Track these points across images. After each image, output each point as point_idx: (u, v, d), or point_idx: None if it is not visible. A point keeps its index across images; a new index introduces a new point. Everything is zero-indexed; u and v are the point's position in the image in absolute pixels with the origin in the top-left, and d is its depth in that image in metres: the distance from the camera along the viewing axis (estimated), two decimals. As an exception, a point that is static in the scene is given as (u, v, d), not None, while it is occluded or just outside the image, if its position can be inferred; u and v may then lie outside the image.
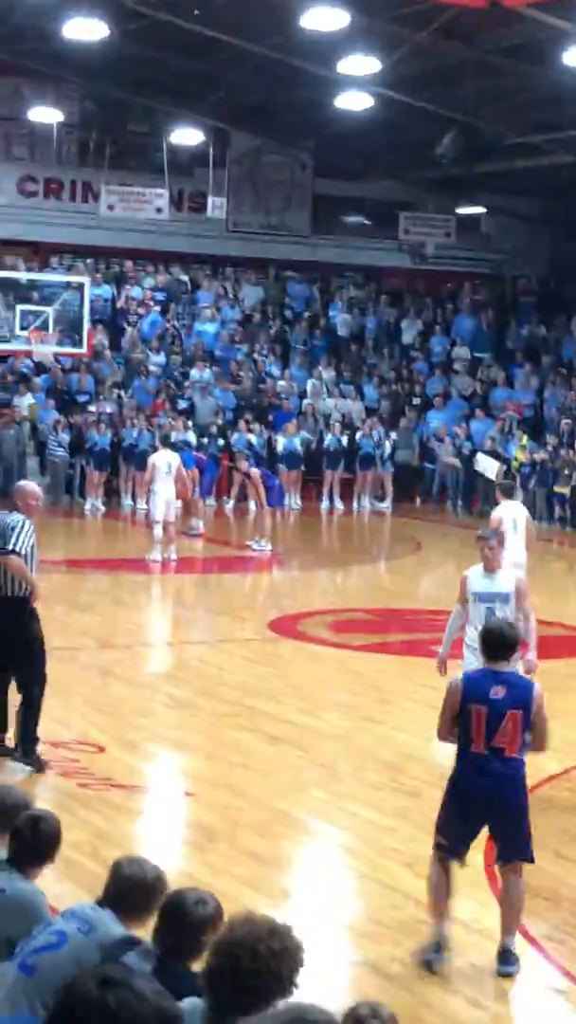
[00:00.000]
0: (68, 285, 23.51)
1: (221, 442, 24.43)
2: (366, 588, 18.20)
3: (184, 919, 4.35)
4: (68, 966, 4.33)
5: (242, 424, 24.67)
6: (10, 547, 8.91)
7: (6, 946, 4.76)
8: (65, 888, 5.25)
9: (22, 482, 9.98)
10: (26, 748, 9.05)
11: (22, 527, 9.01)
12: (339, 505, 25.18)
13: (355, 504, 25.33)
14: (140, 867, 4.76)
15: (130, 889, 4.67)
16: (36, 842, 5.06)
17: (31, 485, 9.73)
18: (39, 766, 8.99)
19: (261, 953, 3.43)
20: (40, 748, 9.16)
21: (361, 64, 21.48)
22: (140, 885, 4.67)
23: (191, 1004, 3.67)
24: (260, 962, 3.41)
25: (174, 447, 20.19)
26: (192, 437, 23.59)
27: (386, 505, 25.32)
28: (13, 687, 9.32)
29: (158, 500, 18.34)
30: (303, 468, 25.10)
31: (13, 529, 8.98)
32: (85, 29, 21.61)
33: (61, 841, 5.16)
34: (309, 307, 30.16)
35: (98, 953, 4.42)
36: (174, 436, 22.25)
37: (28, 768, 9.00)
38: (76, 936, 4.52)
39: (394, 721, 11.00)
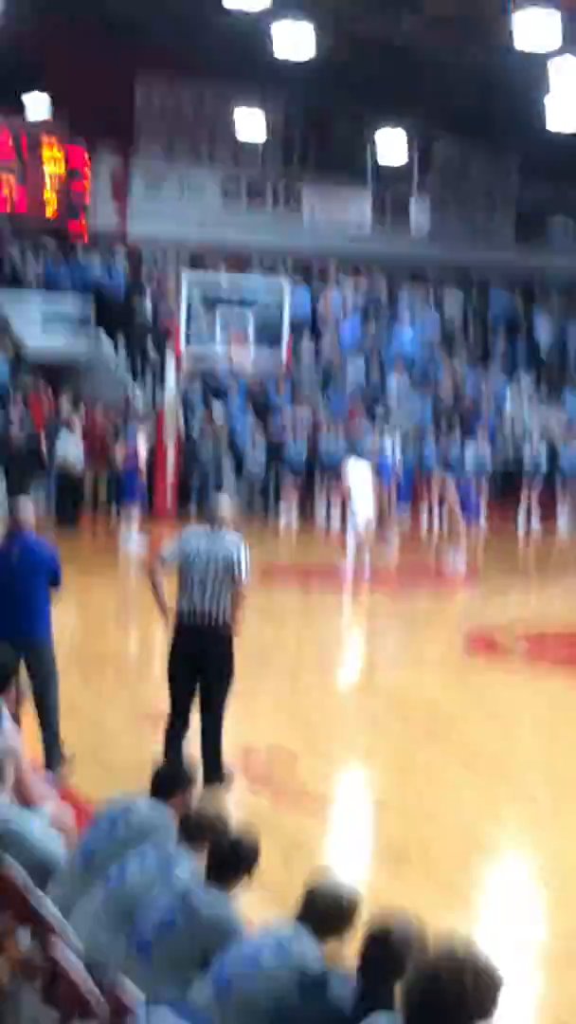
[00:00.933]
0: (268, 291, 23.62)
1: (418, 452, 24.23)
2: (564, 607, 17.78)
3: (390, 945, 4.29)
4: (263, 985, 4.40)
5: (435, 433, 24.46)
6: (245, 580, 8.52)
7: (201, 960, 4.76)
8: (255, 897, 5.21)
9: (225, 499, 9.41)
10: (211, 773, 8.53)
11: (246, 552, 8.61)
12: (537, 521, 24.70)
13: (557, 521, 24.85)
14: (335, 889, 4.75)
15: (326, 910, 4.67)
16: (236, 859, 5.05)
17: (229, 502, 9.25)
18: (227, 779, 8.66)
19: (467, 989, 3.52)
20: (231, 755, 8.92)
21: (571, 69, 21.09)
22: (335, 906, 4.68)
23: (388, 1019, 3.78)
24: (465, 998, 3.51)
25: (367, 457, 20.10)
26: (389, 446, 23.45)
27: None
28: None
29: (353, 513, 18.22)
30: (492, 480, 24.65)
31: (239, 554, 8.53)
32: (295, 36, 21.75)
33: (259, 857, 5.11)
34: (511, 315, 29.75)
35: (294, 975, 4.43)
36: (370, 444, 22.14)
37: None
38: (271, 956, 4.51)
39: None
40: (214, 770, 8.51)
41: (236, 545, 8.60)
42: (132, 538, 19.24)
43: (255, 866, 5.10)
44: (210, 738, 8.58)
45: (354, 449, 21.83)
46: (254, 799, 8.62)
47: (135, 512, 19.66)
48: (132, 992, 4.43)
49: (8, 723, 6.61)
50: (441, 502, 22.40)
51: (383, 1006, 4.08)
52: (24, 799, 6.13)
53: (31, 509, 9.30)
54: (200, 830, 5.27)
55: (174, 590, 8.72)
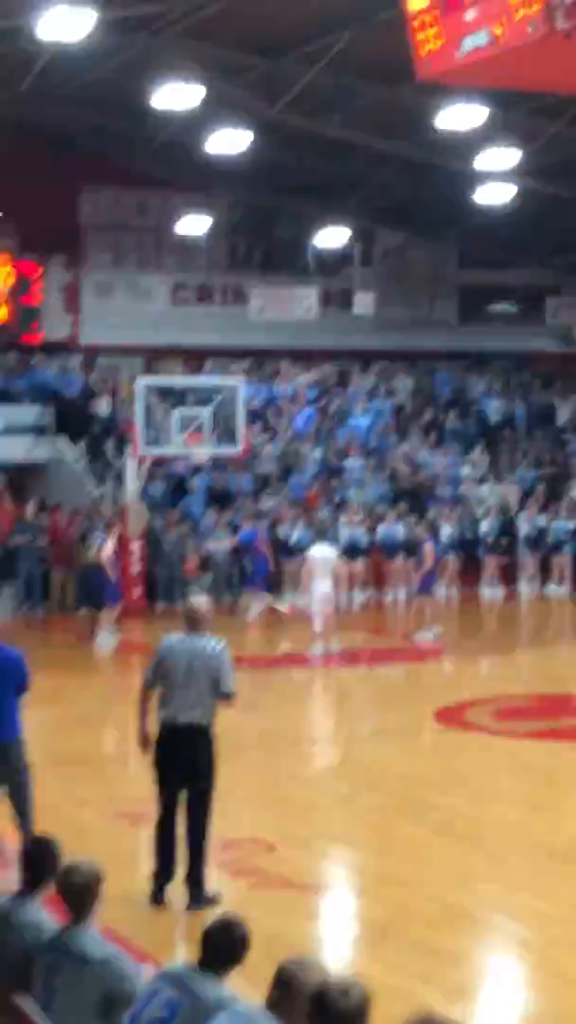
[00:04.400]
0: (222, 388, 24.03)
1: (379, 533, 24.53)
2: (531, 674, 18.03)
3: (331, 1013, 4.26)
4: None
5: (393, 513, 24.75)
6: (232, 690, 8.58)
7: None
8: (240, 991, 5.33)
9: (201, 601, 9.33)
10: (194, 891, 8.49)
11: (228, 659, 8.62)
12: (499, 591, 24.99)
13: (520, 589, 25.12)
14: (303, 970, 4.67)
15: (292, 993, 4.59)
16: (230, 946, 5.10)
17: (206, 603, 9.25)
18: (215, 902, 8.42)
19: None
20: (211, 847, 8.81)
21: (501, 157, 21.76)
22: (303, 991, 4.56)
23: None
24: None
25: (330, 541, 20.39)
26: (350, 529, 23.80)
27: (564, 589, 25.07)
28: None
29: (316, 594, 18.45)
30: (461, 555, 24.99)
31: (221, 660, 8.55)
32: (229, 140, 22.39)
33: (248, 947, 5.16)
34: (460, 395, 30.31)
35: None
36: (343, 530, 22.46)
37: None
38: None
39: (565, 809, 10.88)
40: (196, 884, 8.46)
41: (218, 655, 8.57)
42: (107, 638, 19.45)
43: (246, 953, 5.13)
44: (194, 846, 8.55)
45: (317, 535, 22.10)
46: (233, 890, 8.73)
47: (110, 613, 19.84)
48: None
49: None
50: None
51: None
52: None
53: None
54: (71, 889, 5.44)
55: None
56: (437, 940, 7.93)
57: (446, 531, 24.54)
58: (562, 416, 30.06)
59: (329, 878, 9.65)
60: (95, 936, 5.43)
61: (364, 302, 27.79)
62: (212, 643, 8.67)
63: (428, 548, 20.36)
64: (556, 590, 25.04)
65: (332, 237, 28.25)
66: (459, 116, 19.63)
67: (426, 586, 20.37)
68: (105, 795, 11.14)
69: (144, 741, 8.75)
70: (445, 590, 24.01)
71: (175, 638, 8.77)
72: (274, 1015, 4.61)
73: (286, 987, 4.61)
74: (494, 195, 24.62)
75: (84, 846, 9.50)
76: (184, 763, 8.57)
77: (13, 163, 25.94)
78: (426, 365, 30.73)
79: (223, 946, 5.08)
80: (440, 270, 30.91)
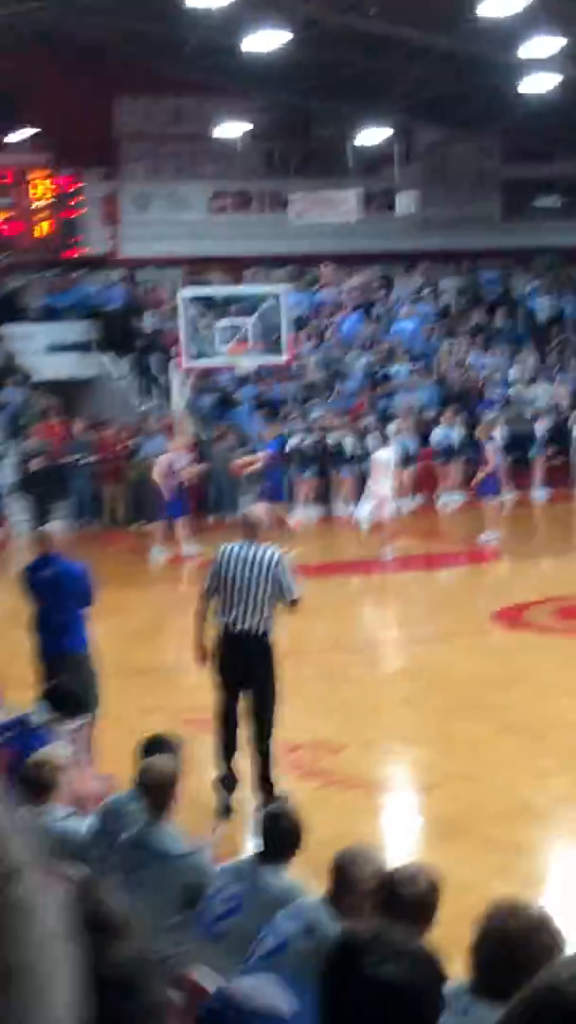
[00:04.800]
0: (265, 296, 23.77)
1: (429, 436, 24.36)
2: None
3: (398, 900, 4.33)
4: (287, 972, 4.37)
5: (446, 417, 24.51)
6: (297, 595, 8.61)
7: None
8: (313, 888, 5.39)
9: (258, 508, 9.52)
10: (264, 794, 8.55)
11: (288, 565, 8.63)
12: (550, 493, 24.76)
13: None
14: (358, 862, 4.74)
15: (351, 886, 4.65)
16: (282, 834, 5.25)
17: (263, 511, 9.31)
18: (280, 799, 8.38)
19: (533, 947, 3.57)
20: (278, 753, 8.89)
21: (544, 45, 21.19)
22: (360, 882, 4.64)
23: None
24: (533, 954, 3.53)
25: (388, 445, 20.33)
26: (399, 434, 23.59)
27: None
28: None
29: (373, 497, 18.38)
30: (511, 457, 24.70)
31: (282, 566, 8.54)
32: (263, 40, 21.96)
33: (303, 833, 5.29)
34: (507, 294, 29.88)
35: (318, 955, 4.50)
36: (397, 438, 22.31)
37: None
38: (297, 939, 4.58)
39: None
40: (265, 786, 8.56)
41: (278, 562, 8.56)
42: (192, 549, 19.42)
43: (300, 842, 5.27)
44: (260, 748, 8.62)
45: (382, 439, 21.95)
46: (302, 793, 8.77)
47: (167, 527, 19.78)
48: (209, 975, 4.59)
49: (64, 739, 6.84)
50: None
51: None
52: (81, 806, 6.34)
53: (60, 532, 9.55)
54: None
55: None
56: (508, 834, 7.97)
57: (498, 433, 24.30)
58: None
59: (396, 777, 9.71)
60: (173, 832, 5.53)
61: (406, 202, 27.31)
62: (271, 551, 8.67)
63: (490, 450, 20.10)
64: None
65: (371, 136, 27.76)
66: (499, 4, 19.10)
67: (487, 488, 20.14)
68: (170, 704, 11.19)
69: (202, 653, 8.76)
70: (502, 493, 23.80)
71: (233, 546, 8.74)
72: (334, 908, 4.66)
73: (342, 879, 4.68)
74: (537, 85, 24.05)
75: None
76: (245, 670, 8.60)
77: (45, 76, 25.65)
78: (470, 264, 30.29)
79: (276, 835, 5.25)
80: (483, 165, 30.36)
